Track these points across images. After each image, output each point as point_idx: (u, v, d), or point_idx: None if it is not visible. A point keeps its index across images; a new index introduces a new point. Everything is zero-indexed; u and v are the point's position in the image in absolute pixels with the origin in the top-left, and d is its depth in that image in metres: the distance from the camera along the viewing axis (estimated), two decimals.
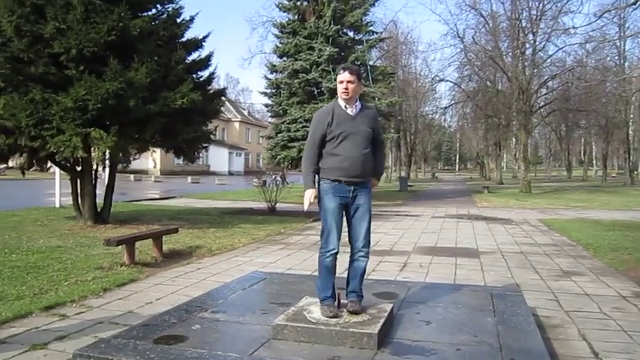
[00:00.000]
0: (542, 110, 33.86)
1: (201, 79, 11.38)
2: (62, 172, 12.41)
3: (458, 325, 3.62)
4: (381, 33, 25.60)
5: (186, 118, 10.19)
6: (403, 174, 38.93)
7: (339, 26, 20.66)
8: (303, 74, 20.56)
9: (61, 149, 8.73)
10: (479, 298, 4.45)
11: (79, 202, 10.74)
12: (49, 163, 11.48)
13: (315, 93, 20.53)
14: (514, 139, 41.24)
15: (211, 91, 11.79)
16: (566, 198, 23.17)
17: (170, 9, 10.92)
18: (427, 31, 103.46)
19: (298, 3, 21.75)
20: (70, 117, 8.69)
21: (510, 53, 28.79)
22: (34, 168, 11.36)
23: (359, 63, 21.16)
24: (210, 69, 11.63)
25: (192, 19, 11.07)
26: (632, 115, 39.30)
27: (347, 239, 3.69)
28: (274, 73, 22.46)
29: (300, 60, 20.67)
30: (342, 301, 3.62)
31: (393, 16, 77.69)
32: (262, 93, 22.95)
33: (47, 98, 8.78)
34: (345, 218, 3.66)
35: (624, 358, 3.65)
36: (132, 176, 38.00)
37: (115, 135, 8.91)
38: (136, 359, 2.88)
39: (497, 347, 3.18)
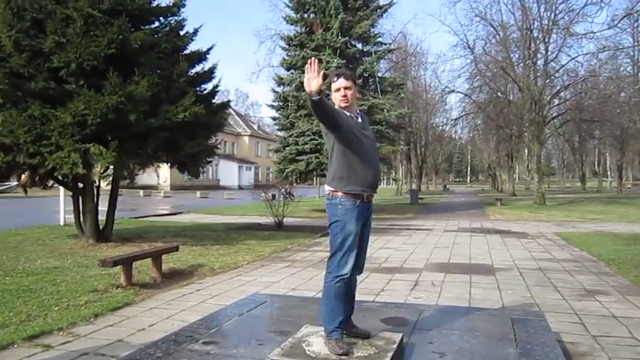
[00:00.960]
0: (555, 121, 33.29)
1: (204, 92, 11.10)
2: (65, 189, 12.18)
3: (476, 358, 3.24)
4: (390, 44, 25.33)
5: (189, 132, 9.92)
6: (414, 186, 38.48)
7: (346, 38, 20.39)
8: None
9: (60, 166, 8.49)
10: (498, 324, 4.06)
11: (81, 219, 10.48)
12: (51, 181, 11.24)
13: None
14: (526, 151, 40.62)
15: (215, 104, 11.51)
16: (581, 210, 22.58)
17: (173, 21, 10.72)
18: (437, 43, 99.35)
19: (305, 15, 21.56)
20: (69, 132, 8.47)
21: (522, 64, 28.35)
22: (34, 186, 11.10)
23: (367, 74, 20.88)
24: (215, 81, 11.33)
25: (195, 31, 10.82)
26: None
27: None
28: (282, 86, 22.20)
29: None
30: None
31: (402, 27, 76.82)
32: (270, 106, 22.70)
33: (46, 114, 8.58)
34: None
35: None
36: (141, 192, 38.02)
37: (115, 150, 8.66)
38: None
39: None
